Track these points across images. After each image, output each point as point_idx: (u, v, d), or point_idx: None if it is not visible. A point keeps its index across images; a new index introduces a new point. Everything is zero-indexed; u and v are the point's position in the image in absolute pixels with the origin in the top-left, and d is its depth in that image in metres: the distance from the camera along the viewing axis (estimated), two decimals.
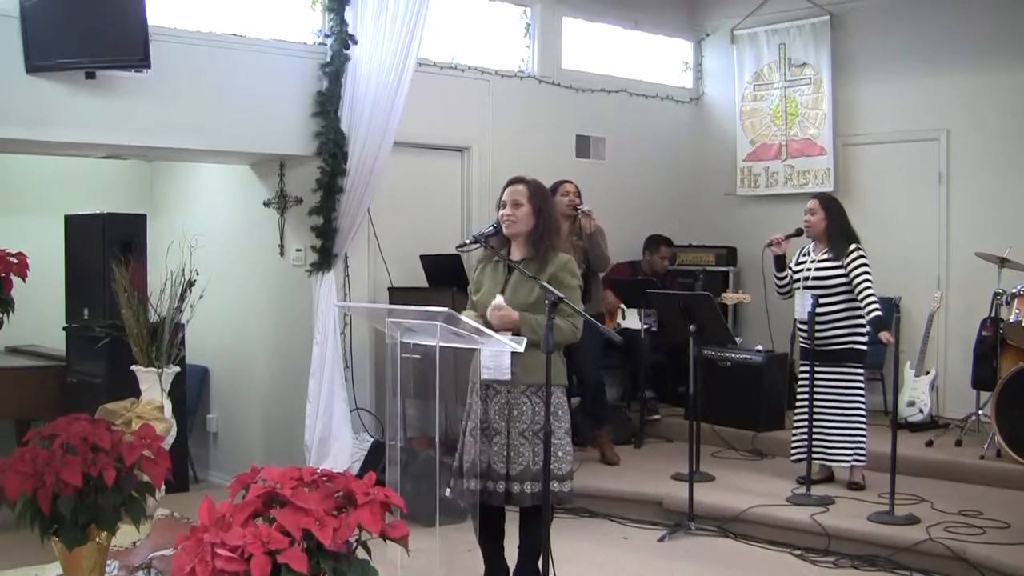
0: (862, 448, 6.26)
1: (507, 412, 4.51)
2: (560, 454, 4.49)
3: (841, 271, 6.19)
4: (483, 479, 4.54)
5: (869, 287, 6.07)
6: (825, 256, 6.27)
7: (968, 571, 5.11)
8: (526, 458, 4.48)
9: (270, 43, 6.71)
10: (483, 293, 4.65)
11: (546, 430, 4.23)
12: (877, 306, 6.05)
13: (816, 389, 6.30)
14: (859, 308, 6.12)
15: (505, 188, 4.68)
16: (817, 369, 6.27)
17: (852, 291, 6.15)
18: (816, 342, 6.20)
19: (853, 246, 6.21)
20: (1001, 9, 7.75)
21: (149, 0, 5.77)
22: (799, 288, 6.32)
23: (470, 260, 5.94)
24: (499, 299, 4.47)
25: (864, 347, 6.28)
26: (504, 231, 4.61)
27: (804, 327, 6.25)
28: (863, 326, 6.17)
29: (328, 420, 6.76)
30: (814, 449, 6.29)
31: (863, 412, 6.28)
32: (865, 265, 6.14)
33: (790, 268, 6.46)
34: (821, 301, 6.17)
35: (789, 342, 6.84)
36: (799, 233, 6.42)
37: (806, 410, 6.30)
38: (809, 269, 6.30)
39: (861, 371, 6.30)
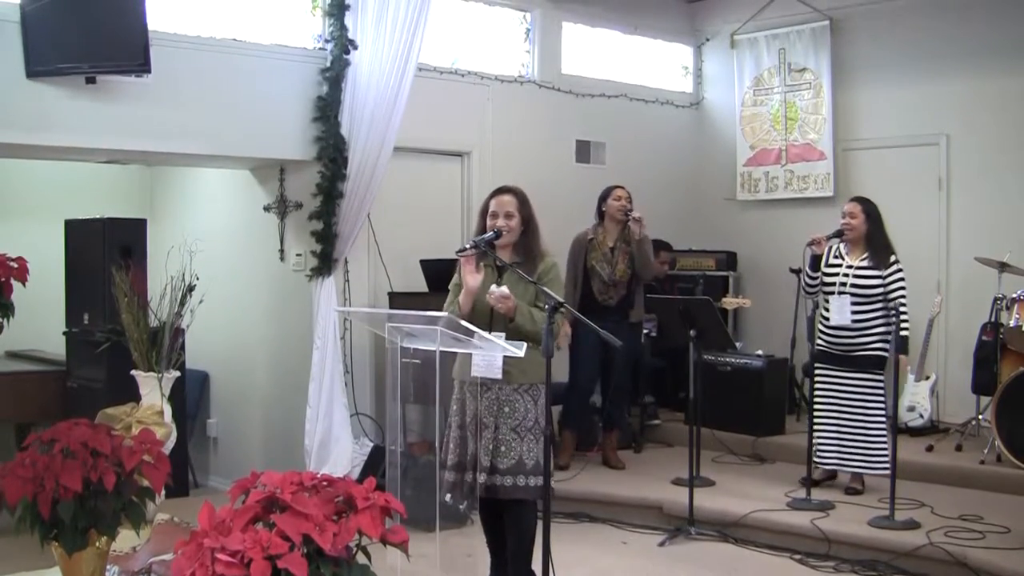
0: (885, 456, 6.16)
1: (496, 408, 4.61)
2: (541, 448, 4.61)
3: (880, 280, 6.15)
4: (470, 471, 4.66)
5: (906, 306, 6.05)
6: (865, 263, 6.21)
7: None
8: (518, 452, 4.57)
9: (270, 48, 6.71)
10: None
11: (546, 434, 4.29)
12: (908, 327, 6.06)
13: (841, 394, 6.30)
14: (889, 316, 6.11)
15: (491, 198, 4.82)
16: (844, 374, 6.27)
17: (887, 301, 6.13)
18: (846, 347, 6.21)
19: (894, 258, 6.20)
20: (1001, 14, 7.75)
21: (150, 5, 5.78)
22: (834, 293, 6.23)
23: None
24: (502, 289, 4.53)
25: (887, 354, 6.29)
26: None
27: (839, 332, 6.20)
28: (890, 333, 6.18)
29: (328, 425, 6.75)
30: (834, 454, 6.33)
31: (885, 419, 6.25)
32: (904, 280, 6.14)
33: (822, 271, 6.38)
34: (859, 307, 6.16)
35: (789, 347, 6.82)
36: (838, 235, 6.35)
37: (829, 413, 6.31)
38: (847, 275, 6.22)
39: (883, 378, 6.30)
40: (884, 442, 6.20)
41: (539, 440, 4.55)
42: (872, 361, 6.20)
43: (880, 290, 6.15)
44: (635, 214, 6.87)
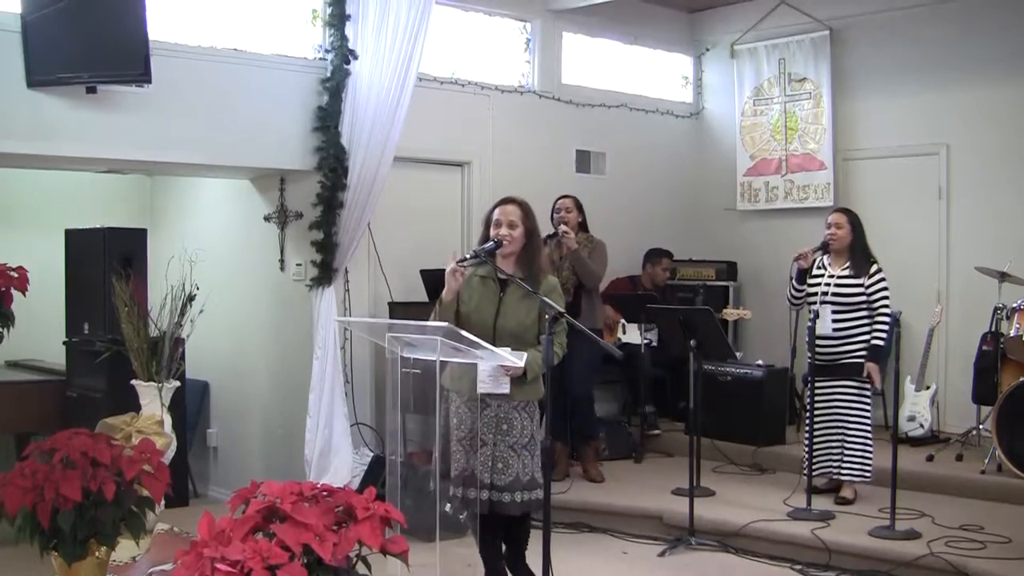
0: (869, 464, 6.25)
1: (495, 425, 4.62)
2: (539, 463, 4.63)
3: (861, 288, 6.20)
4: (466, 486, 4.66)
5: (887, 315, 6.15)
6: (846, 272, 6.26)
7: None
8: (515, 469, 4.60)
9: (271, 58, 6.73)
10: (476, 308, 4.70)
11: (544, 445, 4.31)
12: (885, 336, 6.14)
13: (827, 402, 6.31)
14: (873, 324, 6.18)
15: (496, 208, 4.79)
16: (830, 383, 6.28)
17: (870, 309, 6.18)
18: (831, 356, 6.22)
19: (876, 266, 6.24)
20: (1001, 23, 7.76)
21: (150, 15, 5.79)
22: (817, 303, 6.27)
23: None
24: (517, 361, 4.41)
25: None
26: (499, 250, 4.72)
27: (823, 342, 6.20)
28: None
29: (328, 435, 6.74)
30: (824, 461, 6.36)
31: (870, 426, 6.30)
32: (887, 290, 6.19)
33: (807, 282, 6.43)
34: (840, 316, 6.20)
35: (790, 357, 6.82)
36: (824, 247, 6.36)
37: (823, 423, 6.32)
38: (828, 284, 6.28)
39: (867, 385, 6.32)
40: (866, 449, 6.26)
41: (535, 455, 4.62)
42: (856, 369, 6.23)
43: (862, 298, 6.20)
44: (562, 228, 6.83)
